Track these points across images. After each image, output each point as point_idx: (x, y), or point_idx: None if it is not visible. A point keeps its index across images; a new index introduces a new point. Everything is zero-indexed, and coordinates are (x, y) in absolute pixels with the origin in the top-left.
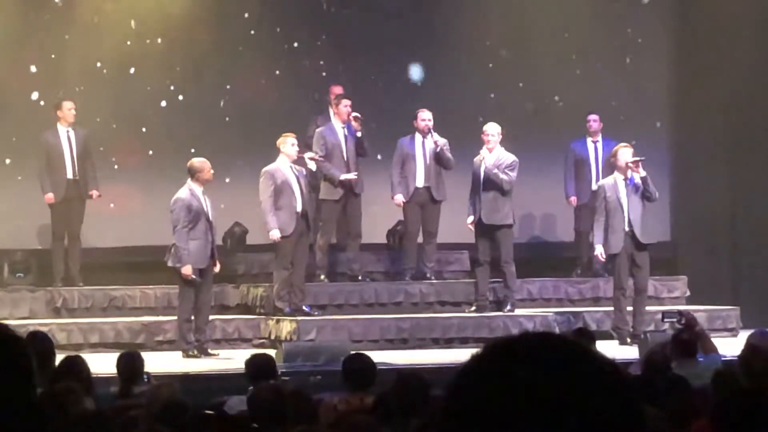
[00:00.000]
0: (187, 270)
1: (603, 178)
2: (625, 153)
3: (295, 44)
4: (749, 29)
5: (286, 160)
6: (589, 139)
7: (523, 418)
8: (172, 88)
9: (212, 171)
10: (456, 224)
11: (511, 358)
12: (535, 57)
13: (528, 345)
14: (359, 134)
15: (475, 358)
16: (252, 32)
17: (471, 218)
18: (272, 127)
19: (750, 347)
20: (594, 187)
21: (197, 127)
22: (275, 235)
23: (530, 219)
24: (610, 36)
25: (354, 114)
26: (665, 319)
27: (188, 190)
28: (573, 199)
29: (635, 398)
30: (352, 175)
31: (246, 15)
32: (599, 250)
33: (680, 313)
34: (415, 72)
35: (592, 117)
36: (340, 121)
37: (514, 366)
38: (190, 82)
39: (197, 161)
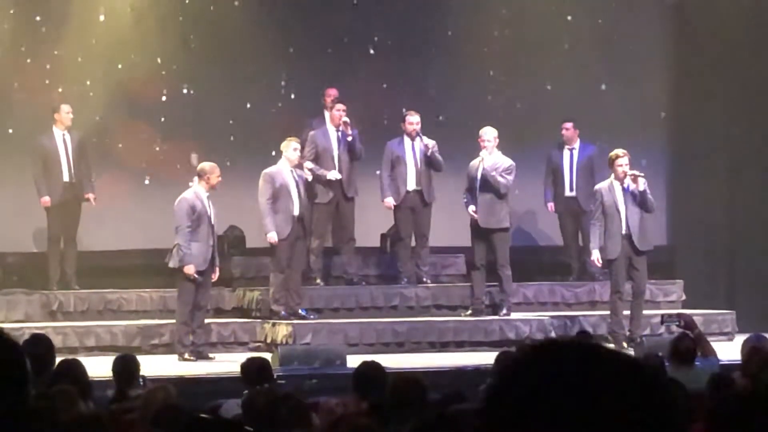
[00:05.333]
0: (189, 269)
1: (576, 185)
2: (622, 163)
3: (294, 47)
4: (748, 35)
5: (287, 164)
6: (565, 147)
7: (564, 418)
8: (170, 91)
9: (220, 177)
10: (452, 228)
11: (555, 360)
12: (534, 61)
13: (570, 348)
14: (349, 138)
15: (515, 360)
16: (252, 33)
17: (472, 207)
18: (272, 130)
19: (751, 349)
20: (567, 194)
21: (194, 130)
22: (273, 237)
23: (527, 223)
24: (609, 41)
25: (344, 119)
26: (664, 322)
27: (193, 192)
28: (551, 205)
29: (674, 401)
30: (336, 174)
31: (245, 15)
32: (596, 255)
33: (679, 315)
34: None
35: (566, 125)
36: (334, 125)
37: (557, 368)
38: (189, 85)
39: (207, 164)
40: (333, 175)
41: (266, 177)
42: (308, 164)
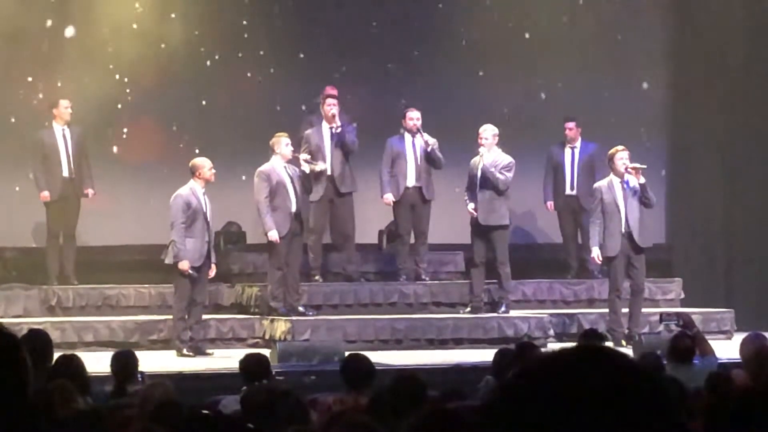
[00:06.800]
0: (183, 265)
1: (577, 183)
2: (622, 157)
3: (292, 42)
4: (747, 35)
5: (281, 161)
6: (566, 145)
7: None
8: (170, 86)
9: (213, 170)
10: (451, 225)
11: (565, 367)
12: (531, 59)
13: (581, 355)
14: (337, 130)
15: (526, 369)
16: (246, 34)
17: (471, 205)
18: (266, 126)
19: (757, 347)
20: (568, 192)
21: (193, 126)
22: (273, 235)
23: (526, 220)
24: (607, 41)
25: (332, 112)
26: (663, 321)
27: (189, 188)
28: (550, 204)
29: (676, 409)
30: (322, 165)
31: (250, 11)
32: (596, 253)
33: (678, 314)
34: None
35: (569, 124)
36: (327, 122)
37: (565, 375)
38: (187, 81)
39: (198, 159)
40: (320, 166)
41: (261, 175)
42: (304, 155)
